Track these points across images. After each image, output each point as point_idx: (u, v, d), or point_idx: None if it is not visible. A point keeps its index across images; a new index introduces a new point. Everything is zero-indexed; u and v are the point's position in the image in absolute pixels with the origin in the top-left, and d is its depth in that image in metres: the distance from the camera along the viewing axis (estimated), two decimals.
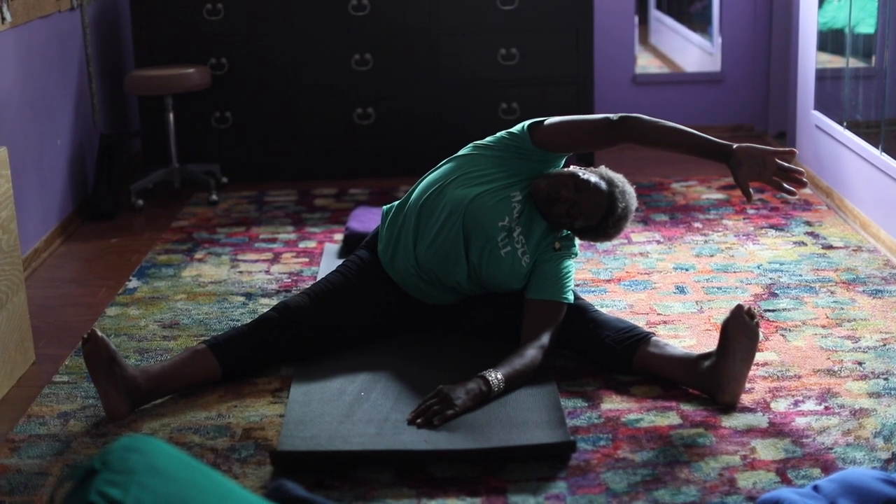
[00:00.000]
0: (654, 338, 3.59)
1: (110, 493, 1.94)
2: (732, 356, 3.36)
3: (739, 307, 3.39)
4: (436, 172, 3.83)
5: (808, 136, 5.98)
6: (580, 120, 3.73)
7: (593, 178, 3.70)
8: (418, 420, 3.27)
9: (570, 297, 3.70)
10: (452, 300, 3.85)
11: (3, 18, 4.82)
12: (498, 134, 3.82)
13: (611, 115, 3.66)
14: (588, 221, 3.69)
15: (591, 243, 4.46)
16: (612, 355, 3.60)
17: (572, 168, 3.74)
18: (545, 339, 3.59)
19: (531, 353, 3.53)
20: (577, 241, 3.83)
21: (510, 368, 3.46)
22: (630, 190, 3.76)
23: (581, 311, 3.69)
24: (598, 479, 3.02)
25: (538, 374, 3.55)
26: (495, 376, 3.41)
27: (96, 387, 3.44)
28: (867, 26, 5.34)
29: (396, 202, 3.92)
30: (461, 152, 3.85)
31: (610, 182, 3.72)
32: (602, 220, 3.70)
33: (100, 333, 3.42)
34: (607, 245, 4.94)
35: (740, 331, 3.37)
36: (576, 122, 3.73)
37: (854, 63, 5.48)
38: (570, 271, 3.74)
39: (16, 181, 4.63)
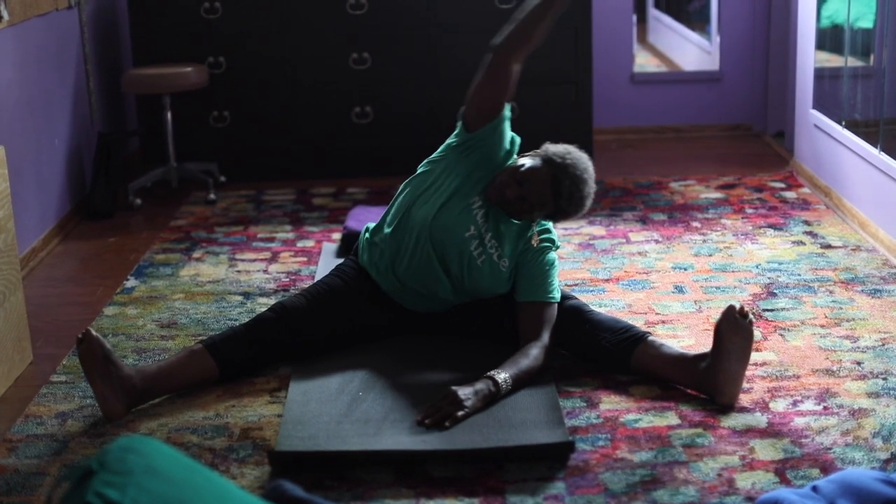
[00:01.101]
0: (650, 338, 3.58)
1: (108, 493, 1.94)
2: (727, 357, 3.36)
3: (731, 308, 3.38)
4: (400, 197, 3.83)
5: (806, 135, 5.98)
6: (478, 78, 3.71)
7: (529, 163, 3.64)
8: (427, 421, 3.27)
9: (557, 294, 3.69)
10: (446, 308, 3.84)
11: (1, 17, 4.81)
12: (445, 143, 3.82)
13: (489, 54, 3.64)
14: (545, 209, 3.65)
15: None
16: (610, 357, 3.60)
17: (511, 163, 3.69)
18: (545, 337, 3.59)
19: (535, 352, 3.53)
20: (555, 232, 3.80)
21: (517, 369, 3.45)
22: (576, 158, 3.66)
23: (577, 313, 3.68)
24: (597, 479, 3.01)
25: (537, 375, 3.55)
26: (503, 377, 3.40)
27: (92, 387, 3.43)
28: (867, 21, 5.34)
29: (373, 224, 3.92)
30: (417, 171, 3.84)
31: (549, 162, 3.64)
32: (556, 203, 3.63)
33: (94, 333, 3.41)
34: (606, 243, 4.94)
35: (733, 331, 3.36)
36: (477, 82, 3.71)
37: (853, 62, 5.48)
38: (552, 267, 3.72)
39: (13, 180, 4.62)
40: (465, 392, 3.32)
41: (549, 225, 3.80)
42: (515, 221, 3.71)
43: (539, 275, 3.68)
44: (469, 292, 3.76)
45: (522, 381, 3.46)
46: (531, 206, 3.62)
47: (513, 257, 3.71)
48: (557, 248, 3.79)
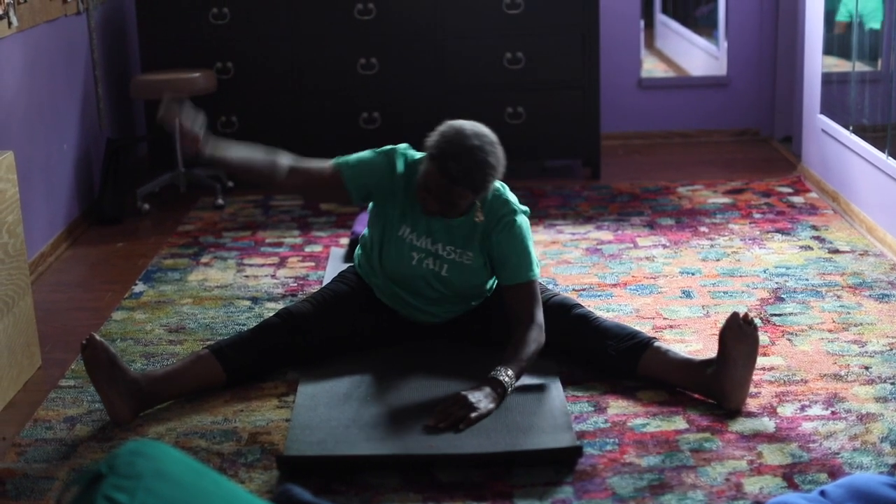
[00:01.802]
0: (656, 343, 3.58)
1: (117, 497, 1.94)
2: (733, 364, 3.35)
3: (735, 315, 3.38)
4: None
5: (814, 140, 5.97)
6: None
7: (422, 168, 3.53)
8: (440, 425, 3.27)
9: (537, 269, 3.64)
10: (451, 316, 3.83)
11: (10, 23, 4.82)
12: None
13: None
14: (464, 196, 3.49)
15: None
16: (617, 365, 3.59)
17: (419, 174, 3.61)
18: (538, 316, 3.57)
19: (533, 335, 3.52)
20: (511, 195, 3.69)
21: (517, 364, 3.45)
22: (451, 135, 3.49)
23: (583, 322, 3.66)
24: (605, 483, 3.01)
25: (544, 378, 3.55)
26: (505, 374, 3.40)
27: (98, 392, 3.44)
28: (875, 22, 5.34)
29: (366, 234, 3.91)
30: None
31: (430, 158, 3.49)
32: (462, 186, 3.46)
33: (98, 338, 3.41)
34: (613, 248, 4.94)
35: (738, 339, 3.35)
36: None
37: (860, 67, 5.48)
38: (523, 240, 3.62)
39: (22, 185, 4.63)
40: (474, 396, 3.32)
41: (502, 192, 3.67)
42: (459, 218, 3.64)
43: (512, 255, 3.61)
44: (461, 295, 3.75)
45: (524, 370, 3.47)
46: (453, 203, 3.51)
47: (477, 245, 3.65)
48: (525, 211, 3.69)
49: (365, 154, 3.72)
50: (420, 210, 3.63)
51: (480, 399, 3.32)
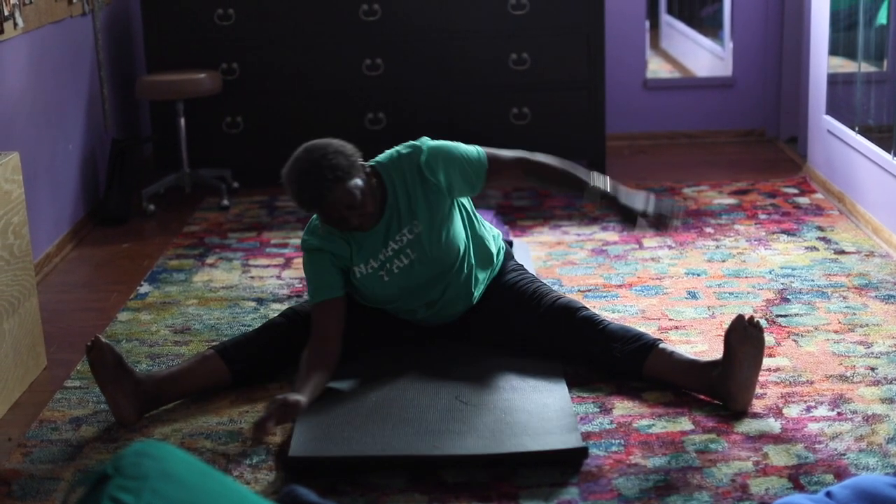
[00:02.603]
0: (661, 345, 3.57)
1: (123, 498, 1.94)
2: (739, 366, 3.35)
3: (740, 317, 3.37)
4: None
5: (819, 140, 5.97)
6: None
7: (312, 211, 3.57)
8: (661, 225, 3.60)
9: (480, 149, 3.68)
10: (454, 308, 3.82)
11: (16, 24, 4.83)
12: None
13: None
14: (354, 204, 3.47)
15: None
16: (622, 366, 3.59)
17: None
18: (517, 155, 3.74)
19: (537, 159, 3.72)
20: (403, 146, 3.68)
21: (574, 170, 3.70)
22: (289, 172, 3.50)
23: (588, 324, 3.65)
24: (610, 484, 3.01)
25: (550, 380, 3.56)
26: (598, 182, 3.67)
27: (104, 393, 3.44)
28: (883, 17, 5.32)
29: None
30: None
31: (300, 204, 3.54)
32: (326, 197, 3.45)
33: (104, 339, 3.42)
34: (618, 249, 4.95)
35: (743, 341, 3.35)
36: None
37: (866, 67, 5.47)
38: (452, 152, 3.63)
39: (28, 186, 4.64)
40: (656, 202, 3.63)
41: (395, 152, 3.67)
42: (398, 206, 3.63)
43: (457, 168, 3.63)
44: (448, 266, 3.69)
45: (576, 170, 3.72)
46: (351, 203, 3.46)
47: (415, 209, 3.61)
48: (422, 142, 3.66)
49: (309, 273, 3.67)
50: (357, 243, 3.61)
51: (669, 203, 3.66)
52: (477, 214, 3.81)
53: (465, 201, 3.75)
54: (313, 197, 3.46)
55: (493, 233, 3.87)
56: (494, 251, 3.82)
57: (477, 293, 3.77)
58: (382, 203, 3.60)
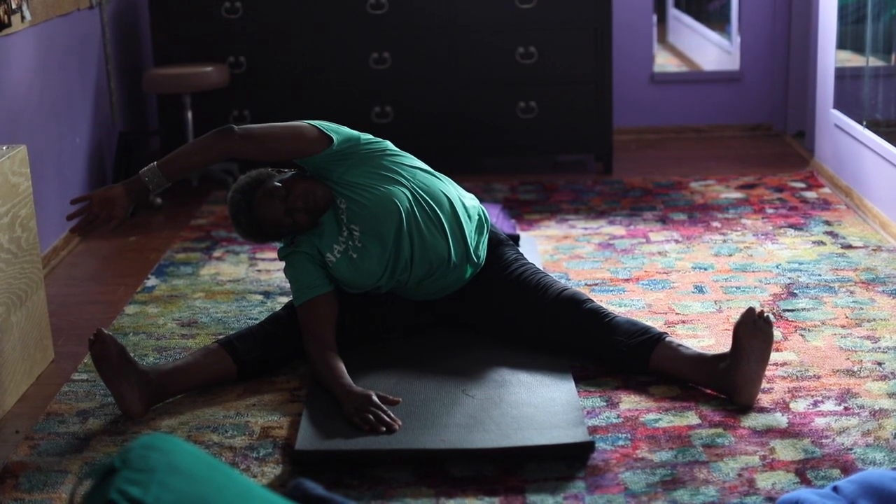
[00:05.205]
0: (667, 339, 3.57)
1: (130, 491, 1.94)
2: (746, 359, 3.35)
3: (750, 310, 3.37)
4: None
5: (827, 134, 5.96)
6: None
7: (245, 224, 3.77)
8: None
9: (333, 126, 3.75)
10: (460, 282, 3.82)
11: (23, 17, 4.83)
12: None
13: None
14: (296, 209, 3.68)
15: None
16: (628, 360, 3.58)
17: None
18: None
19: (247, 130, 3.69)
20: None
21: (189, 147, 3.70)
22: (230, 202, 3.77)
23: (594, 316, 3.65)
24: (617, 478, 3.01)
25: (556, 374, 3.55)
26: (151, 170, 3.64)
27: (108, 386, 3.44)
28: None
29: None
30: None
31: (239, 223, 3.78)
32: (251, 218, 3.73)
33: (106, 332, 3.42)
34: (626, 243, 4.94)
35: (752, 335, 3.35)
36: None
37: (874, 62, 5.46)
38: (345, 134, 3.76)
39: (35, 179, 4.64)
40: None
41: None
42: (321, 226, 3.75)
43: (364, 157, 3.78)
44: (377, 218, 3.70)
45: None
46: (292, 216, 3.68)
47: (339, 185, 3.73)
48: (338, 135, 3.76)
49: (290, 276, 3.75)
50: (318, 235, 3.72)
51: None
52: (426, 171, 3.88)
53: (394, 159, 3.87)
54: (249, 222, 3.72)
55: (459, 191, 3.88)
56: (467, 204, 3.82)
57: (478, 249, 3.79)
58: (328, 197, 3.71)
